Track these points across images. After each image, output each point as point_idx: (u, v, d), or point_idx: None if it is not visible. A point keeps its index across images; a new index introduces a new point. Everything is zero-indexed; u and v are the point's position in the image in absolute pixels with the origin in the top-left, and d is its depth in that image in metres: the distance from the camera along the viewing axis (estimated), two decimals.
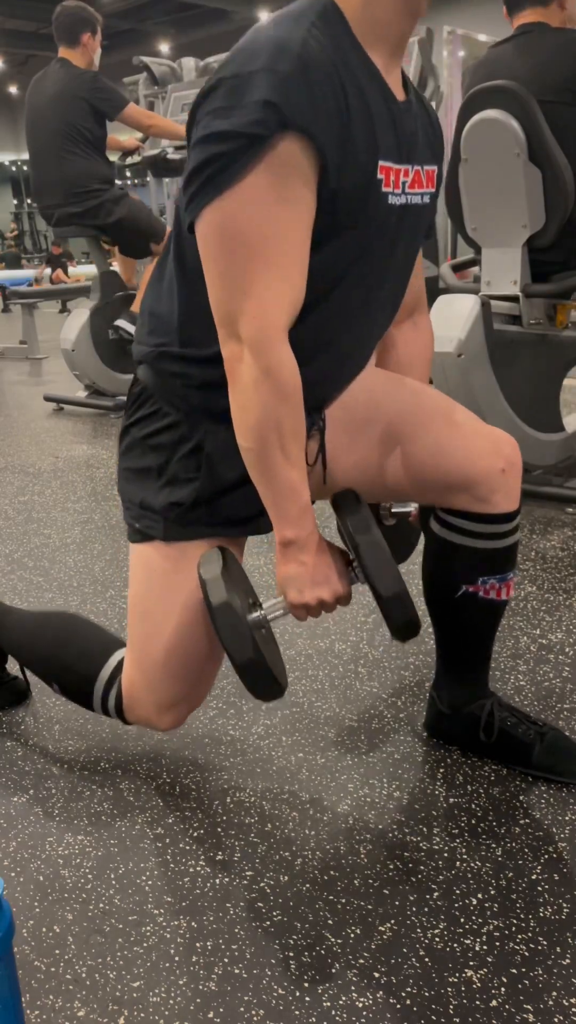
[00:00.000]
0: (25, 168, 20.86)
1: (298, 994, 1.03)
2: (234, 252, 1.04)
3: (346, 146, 1.03)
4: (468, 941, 1.09)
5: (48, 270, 13.83)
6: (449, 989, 1.03)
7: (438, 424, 1.30)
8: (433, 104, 1.92)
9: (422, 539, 1.43)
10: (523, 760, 1.40)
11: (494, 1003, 1.00)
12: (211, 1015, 1.01)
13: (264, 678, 1.14)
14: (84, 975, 1.08)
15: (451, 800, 1.35)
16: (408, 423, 1.29)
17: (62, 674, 1.46)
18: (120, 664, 1.39)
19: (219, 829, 1.32)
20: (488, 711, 1.42)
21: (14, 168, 27.35)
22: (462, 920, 1.12)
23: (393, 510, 1.40)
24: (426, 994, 1.02)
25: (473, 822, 1.30)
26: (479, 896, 1.16)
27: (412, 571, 2.16)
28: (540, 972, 1.04)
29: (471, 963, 1.06)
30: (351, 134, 1.03)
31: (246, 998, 1.03)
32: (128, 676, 1.36)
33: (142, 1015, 1.02)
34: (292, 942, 1.11)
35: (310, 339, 1.13)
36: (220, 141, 1.00)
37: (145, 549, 1.31)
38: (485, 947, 1.08)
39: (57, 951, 1.12)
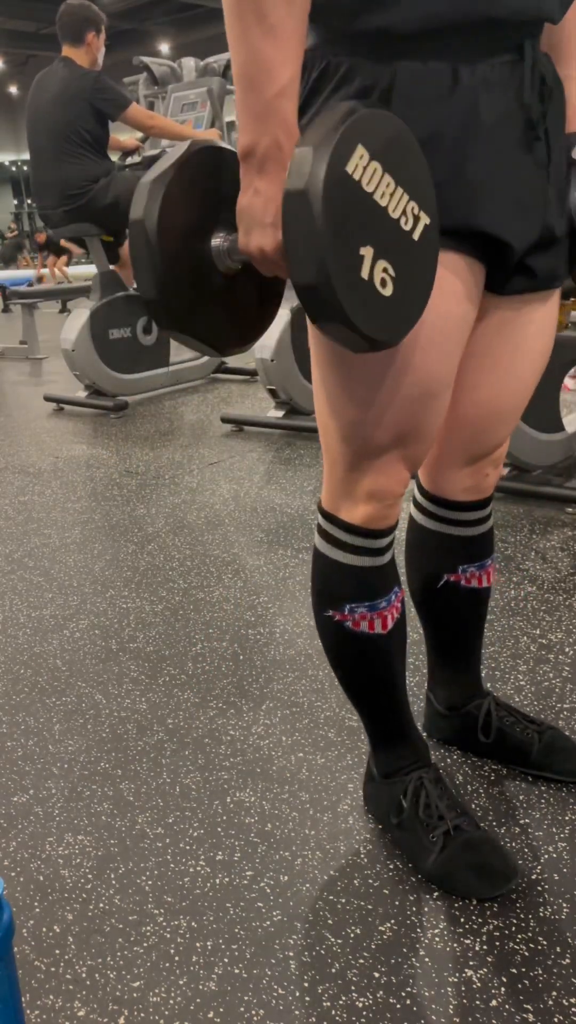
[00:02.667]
0: (25, 168, 20.88)
1: (298, 994, 1.03)
2: None
3: None
4: (468, 941, 1.09)
5: (44, 269, 13.38)
6: (449, 989, 1.03)
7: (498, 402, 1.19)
8: None
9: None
10: (521, 759, 1.39)
11: (494, 1003, 1.00)
12: (211, 1015, 1.01)
13: (176, 321, 0.93)
14: (84, 975, 1.08)
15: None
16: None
17: None
18: None
19: (219, 829, 1.32)
20: (486, 711, 1.41)
21: (14, 168, 27.37)
22: (462, 920, 1.12)
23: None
24: (426, 994, 1.02)
25: None
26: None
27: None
28: (540, 972, 1.04)
29: (471, 963, 1.06)
30: None
31: (246, 998, 1.03)
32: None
33: (142, 1015, 1.02)
34: (292, 942, 1.11)
35: None
36: None
37: None
38: (485, 947, 1.08)
39: (57, 951, 1.12)
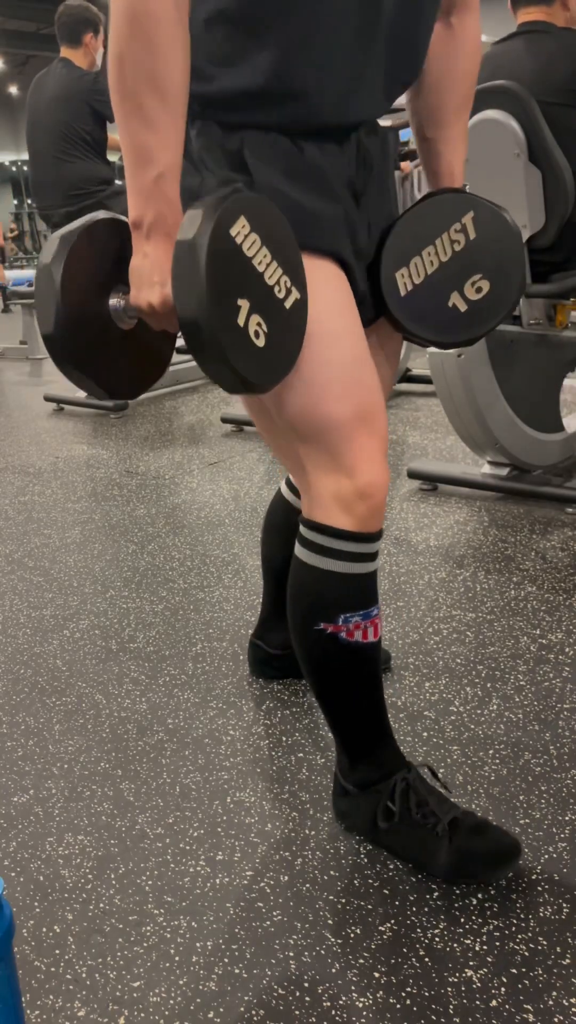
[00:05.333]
0: (25, 168, 20.87)
1: (298, 994, 1.03)
2: None
3: None
4: (468, 941, 1.09)
5: None
6: (449, 989, 1.03)
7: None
8: None
9: None
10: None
11: (494, 1003, 1.00)
12: (211, 1015, 1.01)
13: (70, 357, 1.01)
14: (84, 975, 1.08)
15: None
16: None
17: None
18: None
19: (219, 829, 1.32)
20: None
21: (14, 168, 27.36)
22: (462, 920, 1.12)
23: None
24: (426, 994, 1.02)
25: None
26: (479, 896, 1.16)
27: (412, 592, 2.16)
28: (540, 972, 1.04)
29: (471, 963, 1.06)
30: None
31: (246, 998, 1.03)
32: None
33: (142, 1015, 1.02)
34: (292, 942, 1.11)
35: (308, 13, 1.01)
36: None
37: None
38: (485, 947, 1.08)
39: (57, 951, 1.12)
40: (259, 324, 0.94)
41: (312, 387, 1.08)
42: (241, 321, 0.92)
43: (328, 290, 1.09)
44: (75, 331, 1.00)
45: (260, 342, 0.95)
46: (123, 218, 1.06)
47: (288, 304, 0.98)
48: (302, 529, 1.17)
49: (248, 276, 0.93)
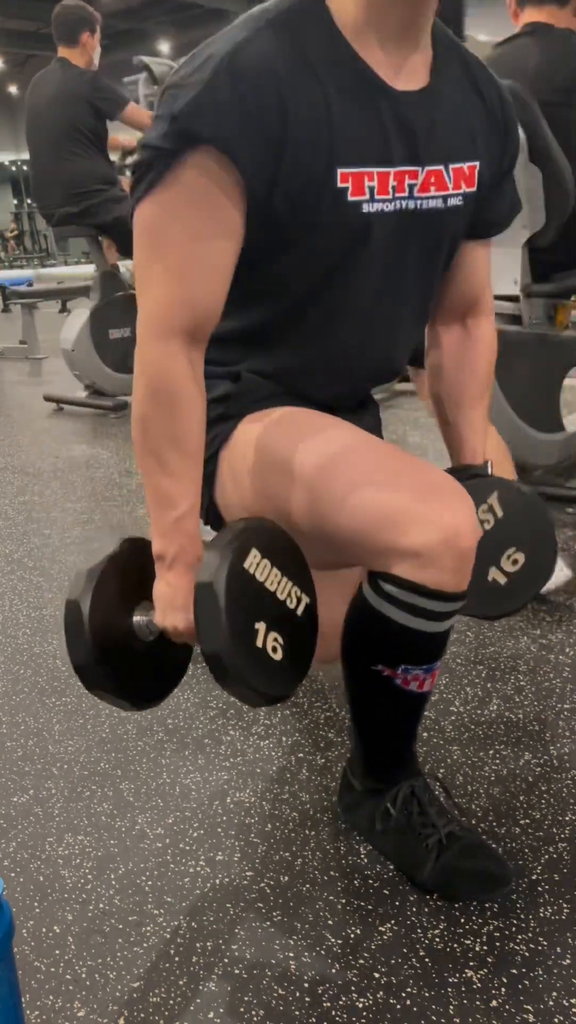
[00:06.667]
0: (25, 168, 20.88)
1: (298, 994, 1.03)
2: (142, 250, 1.07)
3: (282, 157, 1.00)
4: (468, 941, 1.09)
5: None
6: (449, 989, 1.02)
7: None
8: None
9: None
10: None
11: (494, 1003, 1.00)
12: (211, 1015, 1.01)
13: (100, 683, 1.08)
14: (84, 975, 1.08)
15: (454, 800, 1.35)
16: None
17: None
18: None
19: (219, 829, 1.32)
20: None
21: (14, 168, 27.35)
22: (462, 920, 1.12)
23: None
24: (426, 994, 1.02)
25: (473, 822, 1.30)
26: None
27: None
28: (540, 972, 1.04)
29: (471, 963, 1.06)
30: (289, 145, 1.00)
31: (246, 998, 1.03)
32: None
33: (142, 1015, 1.02)
34: (292, 942, 1.11)
35: (290, 350, 1.17)
36: (143, 149, 1.03)
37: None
38: (485, 947, 1.08)
39: (57, 951, 1.12)
40: (275, 639, 1.02)
41: (365, 486, 1.05)
42: (260, 643, 1.00)
43: (329, 417, 1.18)
44: (104, 658, 1.07)
45: (277, 656, 1.02)
46: (141, 539, 1.14)
47: (300, 611, 1.07)
48: (379, 579, 1.06)
49: (263, 599, 1.02)
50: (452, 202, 1.14)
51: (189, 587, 1.02)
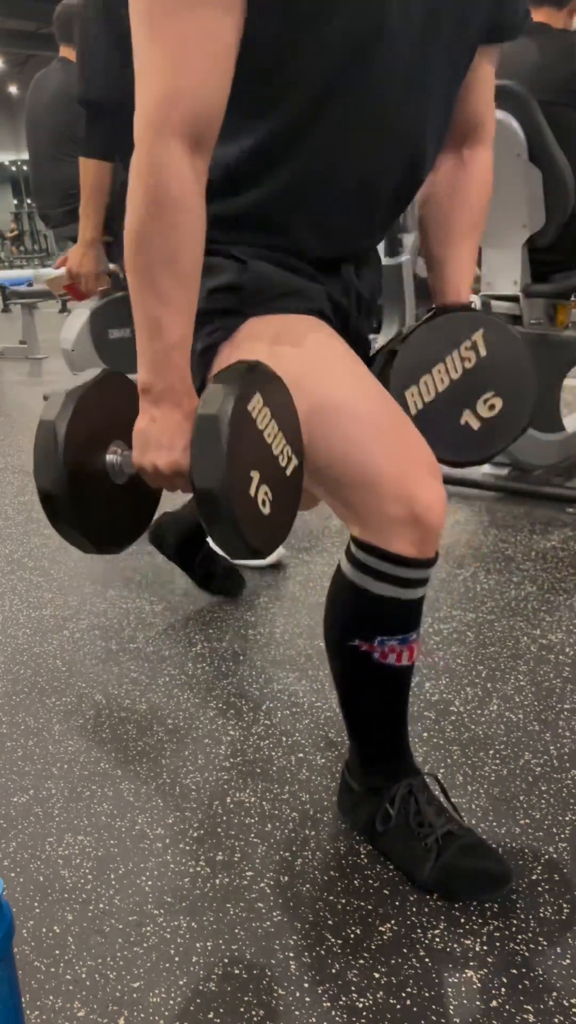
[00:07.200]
0: (25, 168, 20.87)
1: (298, 994, 1.03)
2: (140, 38, 0.95)
3: None
4: (468, 941, 1.09)
5: None
6: (449, 989, 1.02)
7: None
8: None
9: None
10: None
11: (494, 1003, 1.00)
12: (211, 1015, 1.01)
13: (66, 516, 1.04)
14: (84, 975, 1.08)
15: (451, 800, 1.35)
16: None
17: None
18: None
19: (219, 829, 1.32)
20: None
21: (14, 168, 27.37)
22: (462, 920, 1.12)
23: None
24: (426, 994, 1.02)
25: (473, 822, 1.30)
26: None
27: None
28: (540, 972, 1.04)
29: (471, 963, 1.06)
30: None
31: (246, 998, 1.03)
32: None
33: (142, 1015, 1.02)
34: (292, 942, 1.11)
35: (303, 169, 1.06)
36: None
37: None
38: (485, 947, 1.08)
39: (57, 951, 1.12)
40: (266, 493, 1.00)
41: (355, 442, 1.07)
42: (252, 492, 0.97)
43: (335, 344, 1.13)
44: (73, 489, 1.03)
45: (266, 510, 1.00)
46: (125, 376, 1.10)
47: (289, 471, 1.04)
48: (352, 547, 1.11)
49: (259, 448, 0.99)
50: None
51: (177, 425, 0.99)
